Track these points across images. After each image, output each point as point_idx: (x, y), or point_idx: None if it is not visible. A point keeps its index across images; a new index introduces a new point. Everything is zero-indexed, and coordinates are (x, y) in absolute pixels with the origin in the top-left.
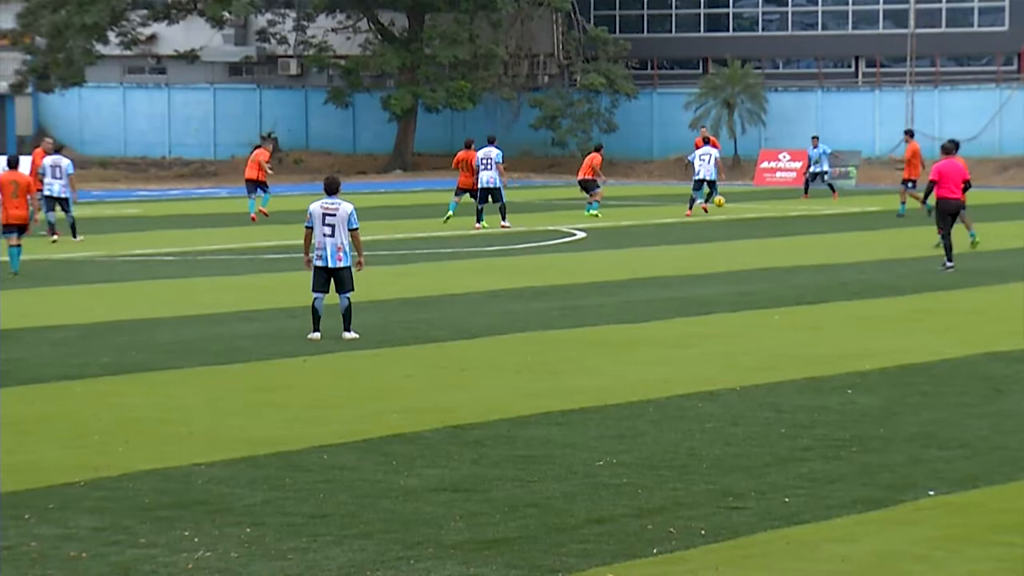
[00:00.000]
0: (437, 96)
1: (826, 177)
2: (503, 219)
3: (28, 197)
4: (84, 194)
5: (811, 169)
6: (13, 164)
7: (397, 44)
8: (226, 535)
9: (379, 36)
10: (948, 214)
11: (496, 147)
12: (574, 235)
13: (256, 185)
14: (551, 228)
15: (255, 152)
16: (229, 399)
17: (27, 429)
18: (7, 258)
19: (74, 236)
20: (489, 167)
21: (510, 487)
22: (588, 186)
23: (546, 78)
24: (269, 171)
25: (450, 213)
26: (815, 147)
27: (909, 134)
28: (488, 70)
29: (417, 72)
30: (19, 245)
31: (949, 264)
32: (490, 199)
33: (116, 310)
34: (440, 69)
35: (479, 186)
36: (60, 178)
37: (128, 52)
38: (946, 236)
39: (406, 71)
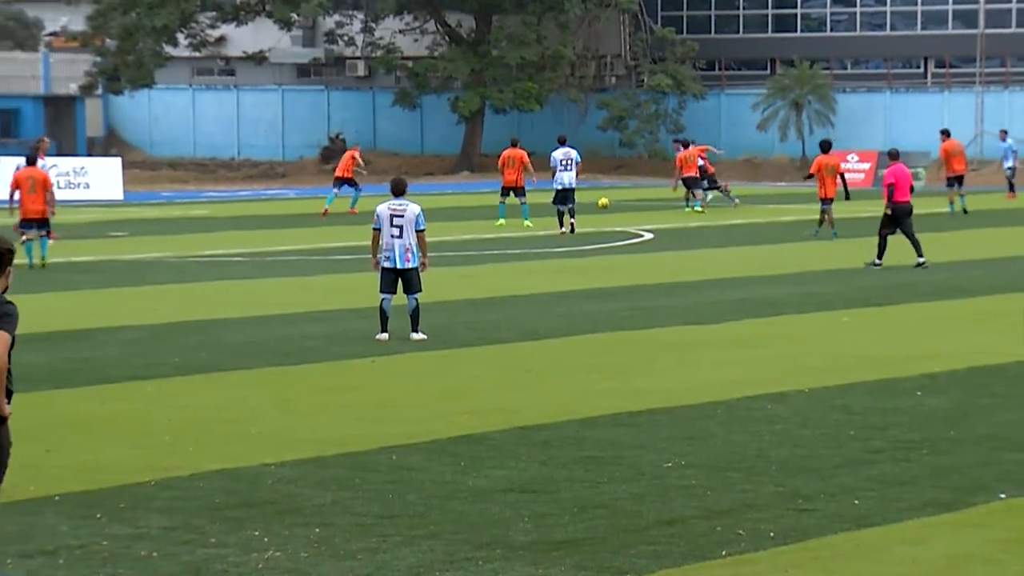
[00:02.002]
0: (504, 97)
1: (1007, 174)
2: (560, 224)
3: (46, 193)
4: (154, 195)
5: (1007, 164)
6: (31, 161)
7: (464, 46)
8: (295, 535)
9: (447, 38)
10: (899, 216)
11: (573, 147)
12: (642, 236)
13: (344, 182)
14: (619, 229)
15: (347, 152)
16: (298, 399)
17: (98, 429)
18: (24, 259)
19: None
20: (569, 168)
21: (578, 488)
22: (692, 184)
23: (613, 79)
24: (363, 171)
25: (502, 220)
26: (1003, 140)
27: (945, 134)
28: (555, 71)
29: (485, 74)
30: (44, 237)
31: (878, 263)
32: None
33: (185, 310)
34: (507, 70)
35: (558, 187)
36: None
37: (197, 54)
38: (885, 237)
39: (474, 73)
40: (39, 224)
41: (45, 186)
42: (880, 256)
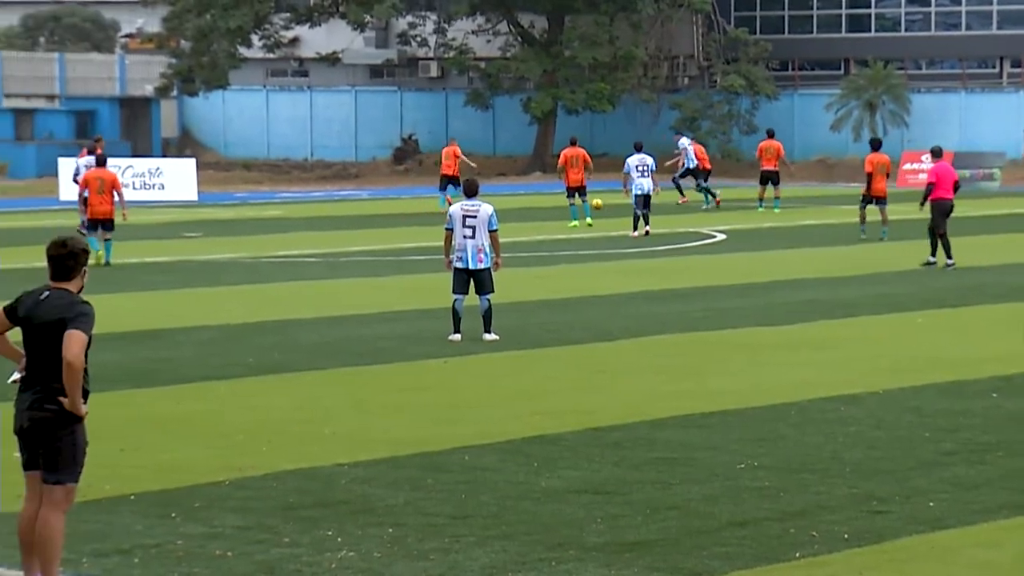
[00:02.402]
0: (577, 98)
1: None
2: (635, 228)
3: (114, 193)
4: (228, 196)
5: None
6: (101, 162)
7: (537, 46)
8: (368, 535)
9: (519, 38)
10: (944, 214)
11: (648, 154)
12: (714, 237)
13: (449, 181)
14: (691, 230)
15: (448, 149)
16: (371, 400)
17: (173, 429)
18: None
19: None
20: (646, 174)
21: (651, 489)
22: (774, 178)
23: (686, 80)
24: (472, 164)
25: (576, 222)
26: None
27: None
28: (628, 72)
29: (557, 74)
30: (107, 240)
31: (950, 262)
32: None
33: (259, 311)
34: (580, 71)
35: (636, 193)
36: None
37: (271, 55)
38: (943, 235)
39: (546, 74)
40: (104, 225)
41: (114, 187)
42: (933, 253)
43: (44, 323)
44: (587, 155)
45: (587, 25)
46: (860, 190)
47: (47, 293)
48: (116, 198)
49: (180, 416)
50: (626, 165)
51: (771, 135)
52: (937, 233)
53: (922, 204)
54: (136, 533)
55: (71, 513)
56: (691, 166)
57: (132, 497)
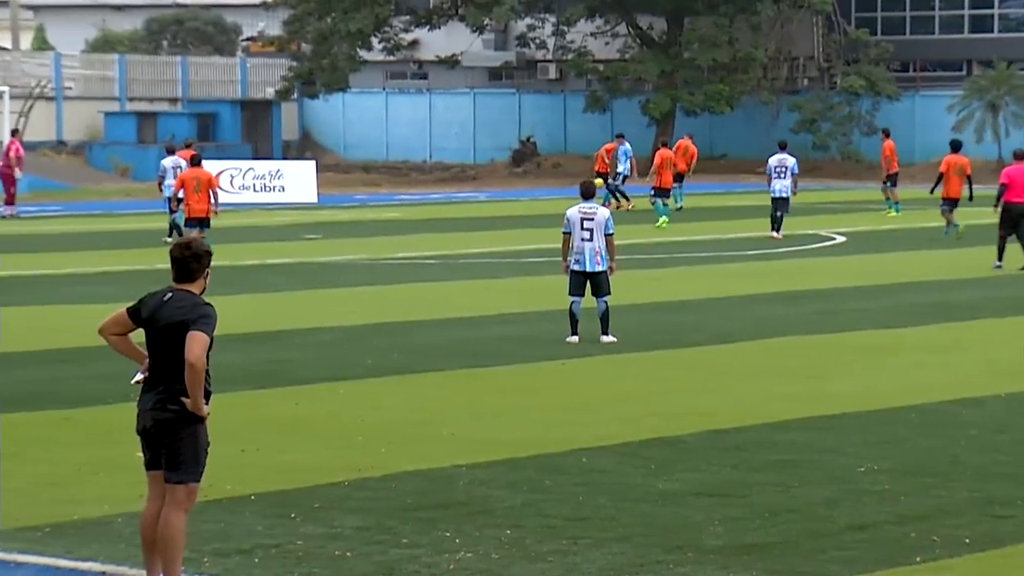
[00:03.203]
0: (695, 99)
1: None
2: (774, 229)
3: (210, 192)
4: (347, 198)
5: None
6: (196, 162)
7: (656, 48)
8: (486, 536)
9: (638, 40)
10: (1012, 217)
11: (791, 155)
12: (834, 239)
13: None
14: (811, 232)
15: (608, 148)
16: (489, 401)
17: (293, 430)
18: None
19: (172, 234)
20: (783, 175)
21: (770, 492)
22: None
23: (806, 81)
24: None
25: (664, 219)
26: None
27: None
28: (747, 73)
29: (676, 76)
30: (204, 238)
31: (998, 264)
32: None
33: (378, 313)
34: (699, 73)
35: (773, 195)
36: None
37: (391, 58)
38: (1003, 239)
39: (665, 75)
40: (201, 224)
41: (210, 186)
42: (1000, 258)
43: (167, 325)
44: (674, 156)
45: (706, 27)
46: (981, 192)
47: (170, 295)
48: (212, 197)
49: (300, 417)
50: (768, 165)
51: (956, 148)
52: (1001, 235)
53: (995, 206)
54: (257, 533)
55: (193, 513)
56: (627, 173)
57: (253, 497)
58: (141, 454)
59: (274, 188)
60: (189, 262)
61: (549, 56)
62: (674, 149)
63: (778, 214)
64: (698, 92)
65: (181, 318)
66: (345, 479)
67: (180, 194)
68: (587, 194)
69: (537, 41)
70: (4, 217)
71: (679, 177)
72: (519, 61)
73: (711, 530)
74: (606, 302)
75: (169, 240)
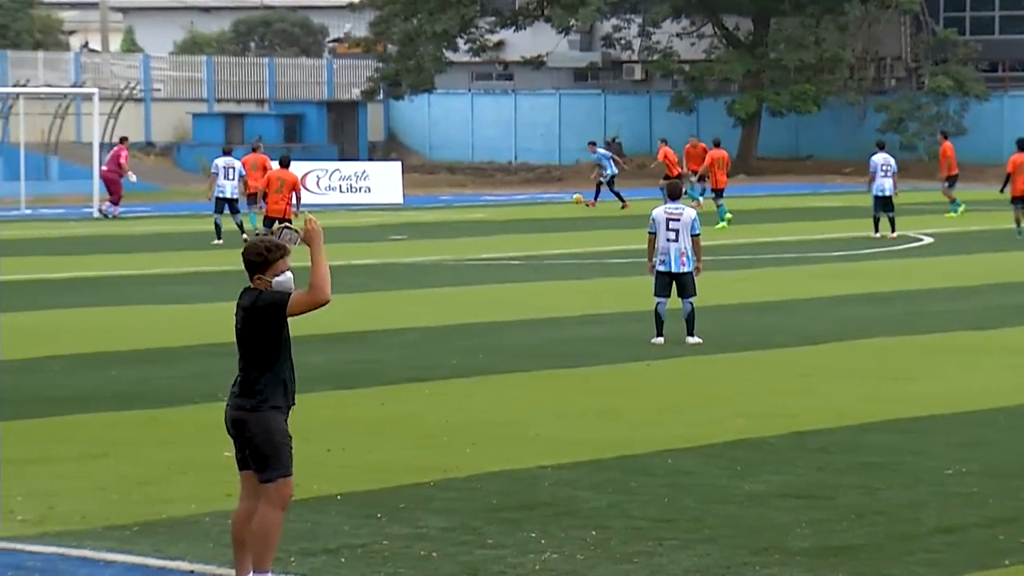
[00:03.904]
0: (781, 100)
1: None
2: (876, 229)
3: (292, 194)
4: (432, 199)
5: None
6: (285, 163)
7: (742, 49)
8: (572, 537)
9: (724, 41)
10: None
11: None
12: (921, 240)
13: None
14: (898, 233)
15: (665, 150)
16: (574, 402)
17: (379, 430)
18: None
19: (242, 232)
20: (888, 174)
21: (856, 494)
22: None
23: (893, 81)
24: (684, 170)
25: (723, 223)
26: None
27: None
28: (834, 74)
29: (762, 76)
30: None
31: None
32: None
33: (463, 313)
34: (785, 73)
35: (879, 194)
36: (232, 179)
37: (476, 59)
38: None
39: (751, 76)
40: (279, 223)
41: (293, 188)
42: None
43: (237, 319)
44: (729, 158)
45: (793, 27)
46: (1008, 192)
47: (242, 292)
48: (294, 199)
49: (385, 417)
50: (872, 164)
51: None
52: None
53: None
54: (343, 533)
55: None
56: (615, 172)
57: (339, 497)
58: (229, 453)
59: (360, 189)
60: (252, 261)
61: (634, 57)
62: (684, 152)
63: (891, 214)
64: (784, 92)
65: (243, 308)
66: (430, 479)
67: (244, 191)
68: (673, 195)
69: (623, 42)
70: (109, 217)
71: (680, 177)
72: (604, 62)
73: (797, 532)
74: (692, 303)
75: (246, 238)
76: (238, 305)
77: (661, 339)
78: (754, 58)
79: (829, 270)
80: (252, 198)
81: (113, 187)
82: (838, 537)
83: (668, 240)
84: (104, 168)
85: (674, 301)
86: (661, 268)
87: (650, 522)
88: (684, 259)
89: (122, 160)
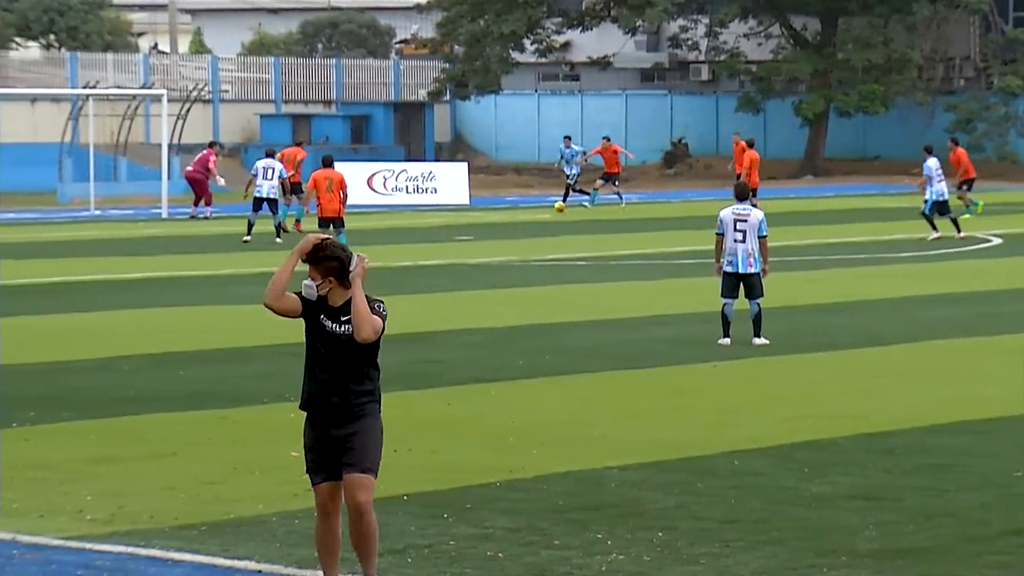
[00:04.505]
0: (849, 100)
1: None
2: (959, 230)
3: (340, 193)
4: (499, 200)
5: None
6: (328, 163)
7: (809, 49)
8: (638, 538)
9: (791, 41)
10: None
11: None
12: (989, 241)
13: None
14: (965, 234)
15: (750, 154)
16: (640, 403)
17: (445, 430)
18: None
19: (277, 235)
20: (943, 179)
21: (924, 496)
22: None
23: (962, 81)
24: (731, 168)
25: None
26: None
27: None
28: (902, 74)
29: (830, 76)
30: (340, 233)
31: None
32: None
33: (529, 314)
34: (852, 73)
35: (937, 198)
36: (271, 179)
37: (543, 59)
38: None
39: (818, 76)
40: (335, 222)
41: (341, 186)
42: None
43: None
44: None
45: (861, 27)
46: None
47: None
48: (342, 196)
49: (452, 418)
50: (927, 168)
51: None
52: None
53: None
54: (409, 533)
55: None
56: (577, 172)
57: (405, 498)
58: (296, 453)
59: (426, 190)
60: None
61: (701, 57)
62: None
63: (951, 216)
64: (852, 92)
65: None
66: (496, 480)
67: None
68: (741, 196)
69: (689, 42)
70: (198, 217)
71: (611, 177)
72: (671, 62)
73: (865, 534)
74: (759, 304)
75: (279, 240)
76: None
77: (728, 340)
78: (822, 58)
79: (897, 271)
80: (295, 187)
81: (198, 187)
82: (906, 539)
83: (735, 241)
84: (189, 168)
85: (741, 302)
86: (728, 269)
87: (717, 523)
88: (751, 260)
89: (211, 165)
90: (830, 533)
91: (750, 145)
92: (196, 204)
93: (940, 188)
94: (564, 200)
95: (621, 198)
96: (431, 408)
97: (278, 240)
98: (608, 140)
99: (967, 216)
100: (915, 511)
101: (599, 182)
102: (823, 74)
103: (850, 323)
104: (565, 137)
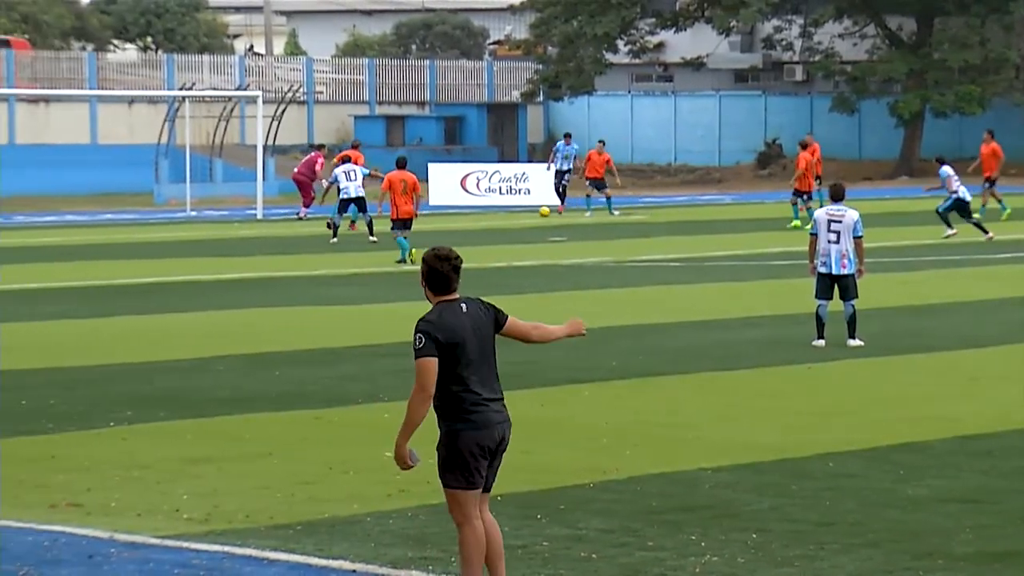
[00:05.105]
0: (945, 100)
1: None
2: (985, 232)
3: (414, 194)
4: (592, 200)
5: None
6: (402, 164)
7: (905, 49)
8: (732, 540)
9: (887, 41)
10: None
11: None
12: None
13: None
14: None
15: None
16: (734, 404)
17: (539, 431)
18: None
19: (371, 234)
20: (960, 183)
21: (1021, 499)
22: (599, 187)
23: None
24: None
25: (796, 221)
26: None
27: None
28: (999, 74)
29: (926, 76)
30: (406, 237)
31: None
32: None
33: (622, 315)
34: (949, 74)
35: (966, 198)
36: (355, 180)
37: (636, 60)
38: None
39: (914, 76)
40: (406, 224)
41: (415, 188)
42: None
43: (480, 332)
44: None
45: (957, 27)
46: None
47: (464, 305)
48: (415, 199)
49: (545, 418)
50: (944, 172)
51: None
52: None
53: None
54: (503, 534)
55: (440, 512)
56: (568, 167)
57: (499, 498)
58: (390, 454)
59: (520, 191)
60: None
61: (796, 58)
62: (586, 158)
63: (973, 220)
64: (948, 93)
65: (489, 320)
66: (590, 481)
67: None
68: (836, 196)
69: (784, 43)
70: (301, 218)
71: (599, 184)
72: (765, 63)
73: (961, 537)
74: (853, 306)
75: (374, 240)
76: (470, 315)
77: (822, 342)
78: (917, 58)
79: (993, 272)
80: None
81: (304, 189)
82: (1003, 542)
83: (829, 242)
84: (296, 171)
85: (835, 303)
86: (822, 270)
87: (811, 525)
88: (845, 261)
89: (317, 167)
90: (926, 536)
91: (803, 147)
92: (307, 206)
93: (963, 191)
94: (562, 202)
95: (589, 206)
96: (524, 409)
97: (372, 239)
98: (603, 144)
99: (1008, 212)
100: (1013, 514)
101: (591, 190)
102: (919, 74)
103: (946, 325)
104: (566, 135)
